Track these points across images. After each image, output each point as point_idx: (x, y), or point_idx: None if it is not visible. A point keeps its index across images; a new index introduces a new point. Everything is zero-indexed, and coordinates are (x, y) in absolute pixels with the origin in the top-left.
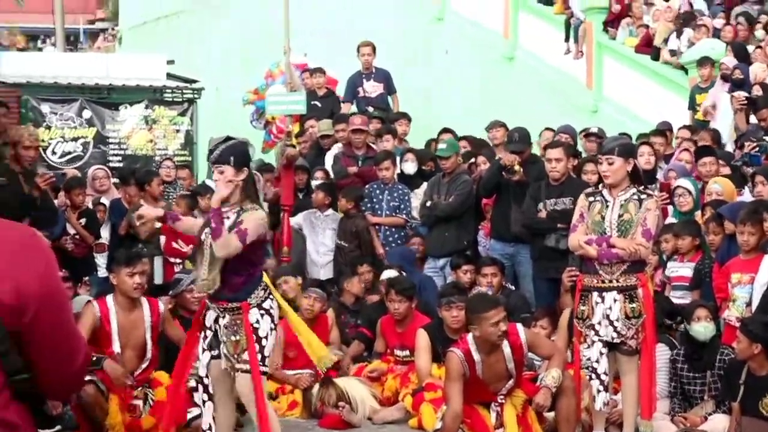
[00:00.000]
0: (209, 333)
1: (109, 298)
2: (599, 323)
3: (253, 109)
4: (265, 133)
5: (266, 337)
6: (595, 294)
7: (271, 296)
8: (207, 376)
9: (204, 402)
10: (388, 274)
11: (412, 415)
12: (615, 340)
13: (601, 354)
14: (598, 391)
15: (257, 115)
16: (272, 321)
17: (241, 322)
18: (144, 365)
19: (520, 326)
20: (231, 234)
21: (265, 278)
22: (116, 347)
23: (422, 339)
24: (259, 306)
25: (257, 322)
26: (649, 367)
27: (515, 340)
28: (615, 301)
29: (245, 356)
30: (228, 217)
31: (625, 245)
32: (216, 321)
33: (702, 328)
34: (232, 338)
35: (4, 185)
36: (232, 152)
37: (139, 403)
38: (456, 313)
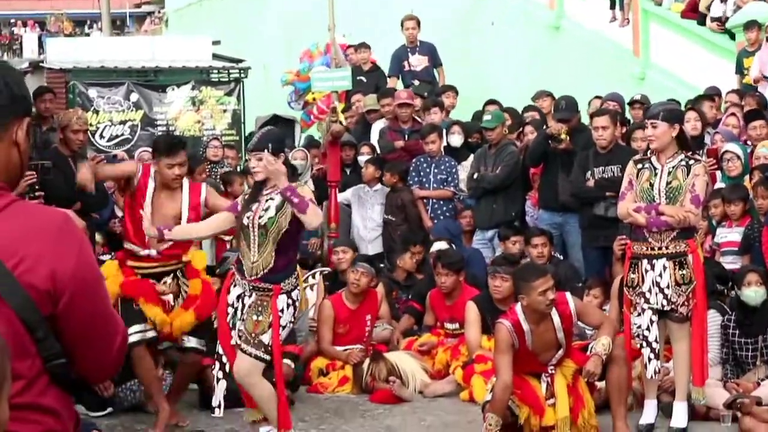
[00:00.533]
0: (230, 310)
1: (153, 170)
2: (649, 291)
3: (291, 89)
4: (303, 113)
5: (285, 327)
6: (645, 261)
7: (298, 288)
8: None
9: (218, 379)
10: (438, 246)
11: (462, 388)
12: (665, 308)
13: (652, 322)
14: (649, 359)
15: (296, 96)
16: (293, 315)
17: (267, 303)
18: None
19: (569, 295)
20: (311, 205)
21: (298, 270)
22: (147, 209)
23: (471, 311)
24: (288, 294)
25: (282, 310)
26: (701, 334)
27: (564, 309)
28: (665, 268)
29: (262, 338)
30: (273, 199)
31: (674, 212)
32: (239, 298)
33: (753, 293)
34: (254, 317)
35: (50, 168)
36: (270, 139)
37: (169, 297)
38: (498, 283)
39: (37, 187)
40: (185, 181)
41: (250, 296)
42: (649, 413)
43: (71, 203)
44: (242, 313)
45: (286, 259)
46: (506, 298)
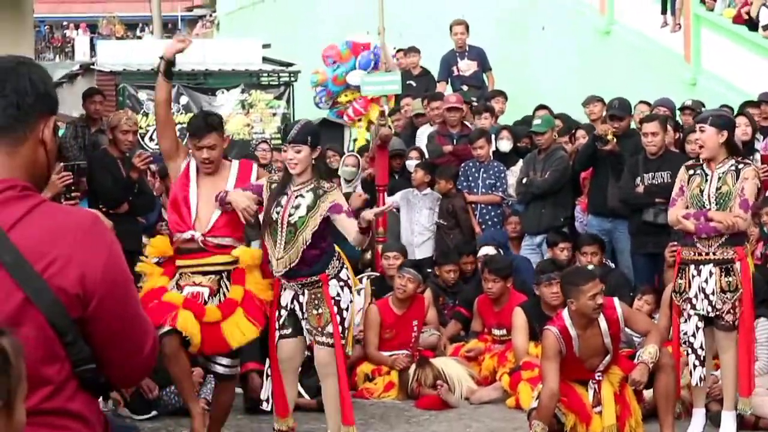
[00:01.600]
0: (284, 312)
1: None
2: (695, 297)
3: (322, 90)
4: (331, 112)
5: (347, 309)
6: (692, 267)
7: (345, 266)
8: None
9: (267, 376)
10: (486, 250)
11: (509, 395)
12: (710, 314)
13: (698, 328)
14: (695, 366)
15: (327, 97)
16: (350, 292)
17: (322, 295)
18: (215, 218)
19: (616, 300)
20: (348, 221)
21: (339, 251)
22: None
23: (519, 317)
24: (338, 277)
25: (338, 294)
26: (747, 343)
27: (611, 314)
28: (711, 274)
29: (329, 329)
30: (303, 196)
31: (723, 218)
32: (294, 299)
33: None
34: (314, 312)
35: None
36: (309, 131)
37: (204, 290)
38: (556, 289)
39: (73, 188)
40: (234, 162)
41: (302, 294)
42: (697, 422)
43: (119, 204)
44: (303, 312)
45: (318, 250)
46: (560, 304)
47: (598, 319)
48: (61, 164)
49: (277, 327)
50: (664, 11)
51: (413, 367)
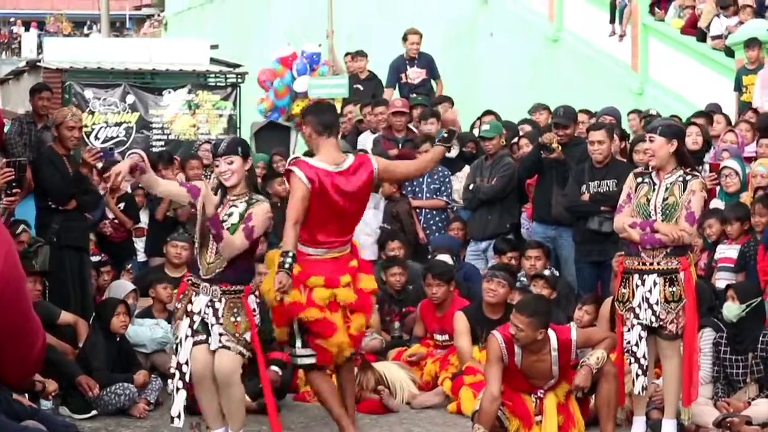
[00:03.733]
0: (197, 318)
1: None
2: (639, 306)
3: (273, 114)
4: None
5: (257, 326)
6: (636, 276)
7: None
8: (186, 363)
9: (177, 389)
10: (443, 258)
11: (451, 400)
12: (654, 324)
13: (641, 338)
14: (637, 375)
15: (283, 117)
16: (260, 313)
17: (241, 304)
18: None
19: (573, 328)
20: (237, 233)
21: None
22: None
23: (460, 321)
24: (255, 294)
25: (254, 310)
26: (691, 352)
27: (566, 344)
28: (655, 284)
29: (246, 337)
30: (236, 206)
31: (669, 231)
32: (209, 305)
33: (726, 308)
34: (232, 319)
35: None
36: (239, 143)
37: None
38: (494, 287)
39: (14, 184)
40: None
41: (220, 300)
42: (637, 430)
43: (66, 200)
44: (217, 318)
45: (248, 260)
46: (497, 305)
47: (550, 348)
48: (3, 160)
49: (189, 333)
50: (612, 20)
51: (355, 370)
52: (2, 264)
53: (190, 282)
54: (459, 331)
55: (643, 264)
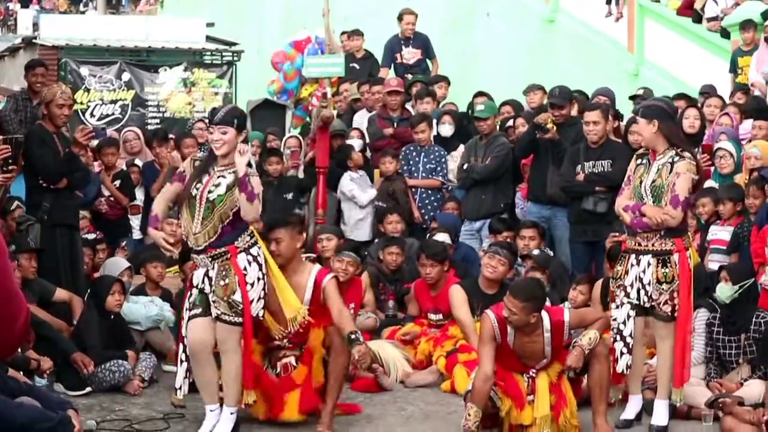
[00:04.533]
0: (194, 291)
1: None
2: (631, 285)
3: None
4: (298, 110)
5: (253, 284)
6: (633, 256)
7: (258, 245)
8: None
9: (181, 361)
10: (442, 237)
11: (444, 378)
12: (646, 304)
13: (629, 316)
14: (621, 354)
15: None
16: (260, 270)
17: (230, 266)
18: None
19: (566, 310)
20: (256, 200)
21: (252, 229)
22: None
23: (457, 293)
24: (247, 251)
25: (245, 268)
26: (683, 335)
27: (558, 325)
28: (649, 264)
29: (235, 297)
30: (224, 176)
31: (653, 214)
32: (205, 276)
33: (719, 289)
34: (221, 283)
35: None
36: (235, 115)
37: (291, 359)
38: (495, 263)
39: (11, 161)
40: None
41: (213, 268)
42: (630, 409)
43: (57, 179)
44: (212, 286)
45: (230, 225)
46: (495, 281)
47: (543, 330)
48: (1, 137)
49: (186, 307)
50: (608, 1)
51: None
52: None
53: (193, 260)
54: (457, 303)
55: (639, 245)
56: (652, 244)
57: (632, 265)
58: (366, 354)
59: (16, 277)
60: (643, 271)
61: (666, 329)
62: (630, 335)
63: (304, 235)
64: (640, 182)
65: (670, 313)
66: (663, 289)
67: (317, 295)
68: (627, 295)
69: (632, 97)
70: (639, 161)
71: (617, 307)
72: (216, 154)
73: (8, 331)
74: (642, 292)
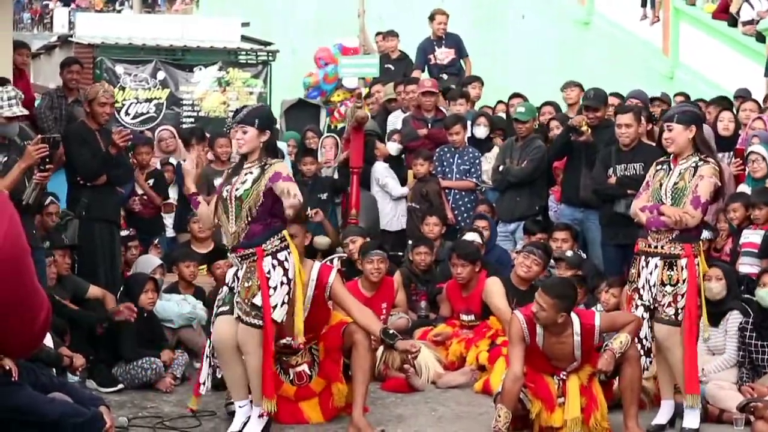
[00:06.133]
0: (225, 289)
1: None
2: (643, 287)
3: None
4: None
5: (275, 288)
6: (643, 258)
7: (288, 250)
8: None
9: (207, 357)
10: (469, 236)
11: (477, 379)
12: (651, 306)
13: (643, 318)
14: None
15: (321, 99)
16: (285, 275)
17: (254, 268)
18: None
19: (597, 314)
20: (285, 183)
21: (285, 234)
22: None
23: (494, 284)
24: (273, 255)
25: (268, 272)
26: (691, 341)
27: (588, 329)
28: (656, 267)
29: (255, 300)
30: (251, 172)
31: (672, 213)
32: (235, 275)
33: (765, 294)
34: (245, 284)
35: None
36: (258, 115)
37: (305, 367)
38: (530, 263)
39: (48, 160)
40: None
41: (241, 268)
42: (662, 414)
43: (95, 177)
44: (238, 286)
45: (262, 224)
46: (526, 280)
47: (573, 332)
48: (39, 136)
49: (216, 305)
50: (643, 4)
51: (381, 349)
52: (2, 237)
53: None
54: (494, 293)
55: (649, 246)
56: (661, 246)
57: (642, 267)
58: (411, 348)
59: (51, 272)
60: (650, 273)
61: (671, 339)
62: (645, 337)
63: (310, 234)
64: (660, 185)
65: (673, 317)
66: (666, 291)
67: (320, 291)
68: (640, 297)
69: (651, 100)
70: (659, 167)
71: (634, 309)
72: (246, 155)
73: (29, 327)
74: (649, 293)
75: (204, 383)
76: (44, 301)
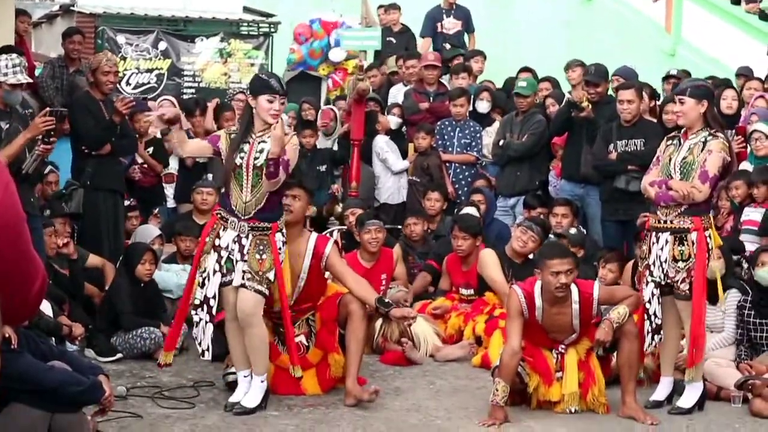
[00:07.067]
0: (224, 254)
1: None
2: (653, 264)
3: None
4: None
5: (281, 263)
6: (653, 234)
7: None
8: (214, 297)
9: (205, 323)
10: (467, 210)
11: (475, 353)
12: (663, 282)
13: (653, 295)
14: (648, 332)
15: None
16: (284, 253)
17: (268, 241)
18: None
19: (596, 285)
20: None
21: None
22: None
23: (489, 255)
24: (282, 232)
25: (280, 248)
26: (698, 314)
27: (587, 298)
28: (666, 242)
29: (269, 275)
30: (265, 141)
31: (680, 187)
32: (236, 242)
33: (765, 273)
34: (257, 256)
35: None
36: (284, 86)
37: (302, 338)
38: (527, 239)
39: (52, 132)
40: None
41: (247, 237)
42: (661, 390)
43: (99, 146)
44: (243, 254)
45: (277, 198)
46: (523, 255)
47: (571, 301)
48: (47, 108)
49: (217, 269)
50: None
51: (379, 321)
52: None
53: (219, 216)
54: (489, 264)
55: (659, 222)
56: (671, 221)
57: (653, 243)
58: (407, 314)
59: (51, 242)
60: (661, 249)
61: (689, 309)
62: (654, 314)
63: (312, 208)
64: (670, 160)
65: (688, 292)
66: (679, 267)
67: (316, 262)
68: (651, 273)
69: (665, 78)
70: (669, 142)
71: (645, 285)
72: (251, 121)
73: (24, 295)
74: (660, 270)
75: (208, 348)
76: (40, 268)
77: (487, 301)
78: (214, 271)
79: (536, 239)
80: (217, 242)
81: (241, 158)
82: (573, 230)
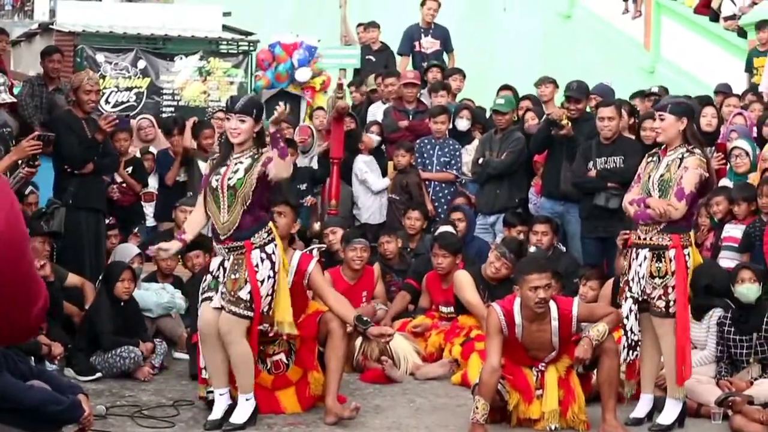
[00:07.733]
0: (209, 277)
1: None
2: (632, 279)
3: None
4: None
5: (263, 282)
6: (634, 250)
7: (275, 242)
8: None
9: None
10: (443, 229)
11: (455, 371)
12: (640, 299)
13: (631, 311)
14: (623, 347)
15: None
16: (272, 268)
17: (243, 261)
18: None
19: (576, 302)
20: (278, 160)
21: (272, 227)
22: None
23: (463, 276)
24: (262, 248)
25: (257, 265)
26: (682, 332)
27: (566, 315)
28: (645, 258)
29: (240, 294)
30: (242, 162)
31: (656, 205)
32: (221, 265)
33: (745, 290)
34: (232, 276)
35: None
36: (255, 105)
37: (282, 356)
38: (499, 266)
39: (37, 157)
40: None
41: (228, 259)
42: (641, 408)
43: (82, 165)
44: (224, 277)
45: (252, 217)
46: (498, 279)
47: (550, 318)
48: (36, 133)
49: (201, 291)
50: None
51: (359, 340)
52: (4, 223)
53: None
54: (466, 285)
55: (639, 238)
56: (650, 238)
57: (633, 259)
58: (384, 332)
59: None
60: (640, 265)
61: (664, 327)
62: (631, 330)
63: (297, 224)
64: (649, 177)
65: (663, 309)
66: (656, 283)
67: (298, 279)
68: (630, 289)
69: (644, 95)
70: (649, 159)
71: (624, 301)
72: (232, 144)
73: (25, 315)
74: (638, 286)
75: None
76: (42, 289)
77: (462, 325)
78: (201, 294)
79: (509, 266)
80: (210, 267)
81: (216, 180)
82: (540, 248)
